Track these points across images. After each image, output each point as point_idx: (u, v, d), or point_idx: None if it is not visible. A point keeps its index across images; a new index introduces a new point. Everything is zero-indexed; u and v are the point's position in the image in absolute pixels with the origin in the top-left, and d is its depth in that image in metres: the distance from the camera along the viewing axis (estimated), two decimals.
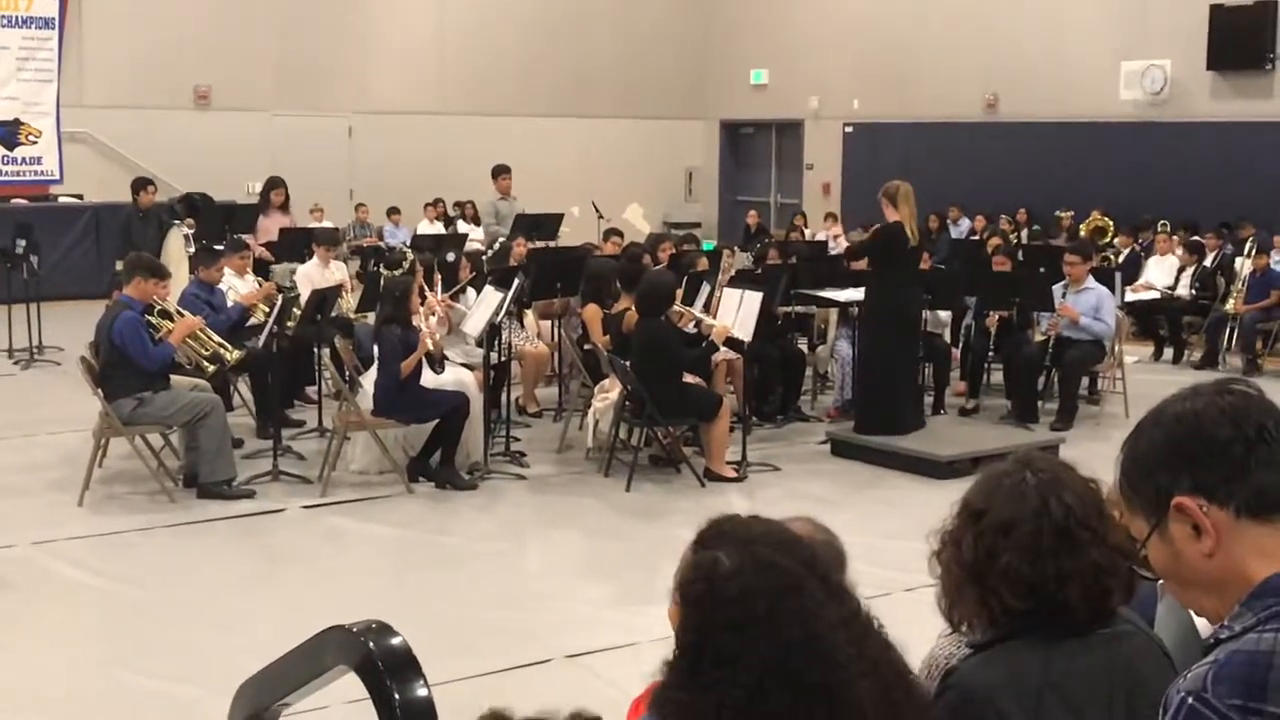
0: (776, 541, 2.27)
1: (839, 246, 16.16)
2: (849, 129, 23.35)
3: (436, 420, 9.06)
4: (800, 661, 2.10)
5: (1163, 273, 15.39)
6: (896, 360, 10.16)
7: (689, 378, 9.52)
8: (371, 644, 2.11)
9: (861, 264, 10.33)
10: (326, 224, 17.12)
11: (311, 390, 11.03)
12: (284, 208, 14.68)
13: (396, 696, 2.04)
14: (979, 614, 2.48)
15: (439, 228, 19.24)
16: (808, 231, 20.54)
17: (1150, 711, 2.01)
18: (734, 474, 9.35)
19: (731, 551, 2.22)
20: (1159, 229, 16.71)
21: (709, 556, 2.21)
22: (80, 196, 19.15)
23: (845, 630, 2.16)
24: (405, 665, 2.08)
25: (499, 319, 9.71)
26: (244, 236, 13.18)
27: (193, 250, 12.90)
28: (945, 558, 2.52)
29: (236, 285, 10.75)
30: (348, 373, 9.81)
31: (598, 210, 18.41)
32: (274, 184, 14.77)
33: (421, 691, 2.06)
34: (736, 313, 9.47)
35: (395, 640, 2.12)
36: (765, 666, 2.09)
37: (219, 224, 14.70)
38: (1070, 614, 2.41)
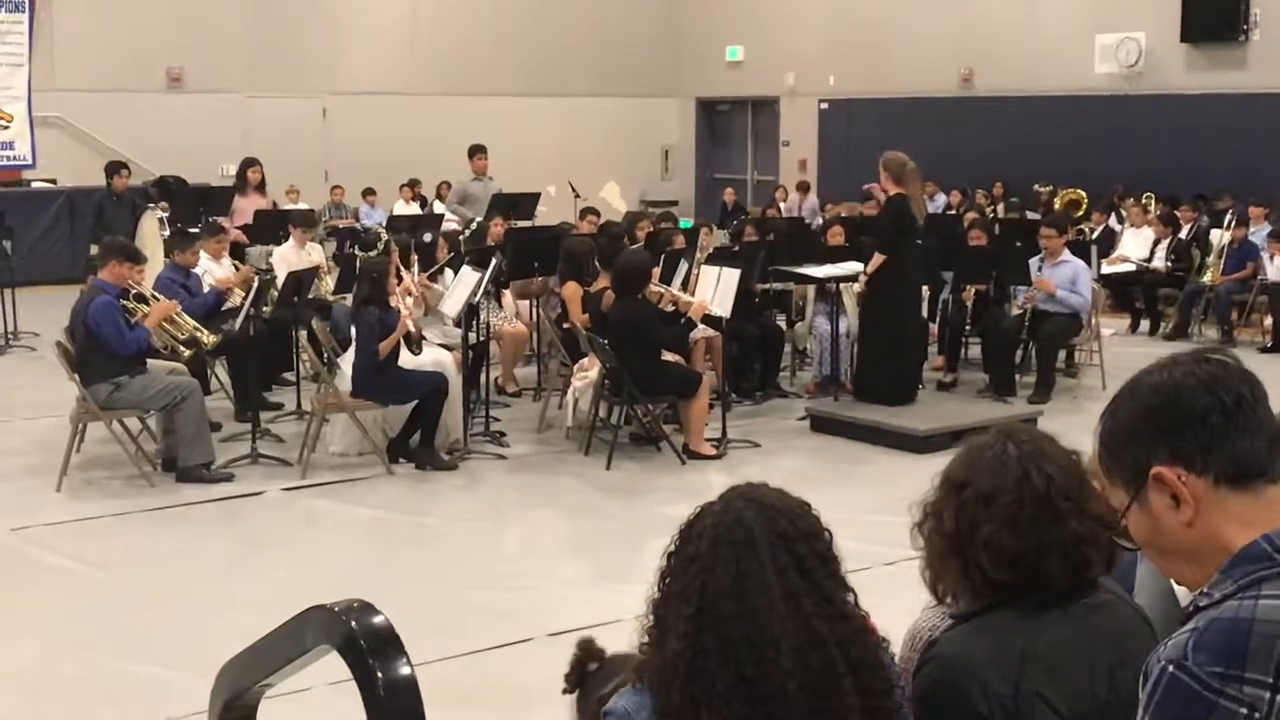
0: (766, 506, 2.31)
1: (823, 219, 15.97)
2: (824, 105, 23.32)
3: (415, 401, 9.05)
4: (726, 609, 2.23)
5: (1138, 245, 15.42)
6: (906, 333, 10.23)
7: (668, 355, 9.51)
8: (354, 623, 2.10)
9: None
10: (302, 206, 17.05)
11: (289, 374, 11.00)
12: (260, 187, 14.63)
13: (379, 675, 2.03)
14: (961, 585, 2.48)
15: (414, 208, 19.18)
16: (784, 206, 20.55)
17: (1132, 681, 2.02)
18: (714, 451, 9.35)
19: (724, 501, 2.33)
20: (1143, 201, 16.74)
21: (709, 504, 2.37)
22: (54, 181, 19.00)
23: (790, 604, 2.23)
24: (388, 644, 2.07)
25: (477, 299, 9.69)
26: (220, 220, 13.14)
27: (167, 234, 12.85)
28: (927, 529, 2.53)
29: (213, 269, 10.69)
30: (326, 355, 9.77)
31: (574, 189, 18.37)
32: (250, 163, 14.80)
33: (404, 670, 2.06)
34: (714, 290, 9.47)
35: (377, 619, 2.11)
36: (701, 602, 2.25)
37: (193, 207, 14.62)
38: (1051, 584, 2.42)
